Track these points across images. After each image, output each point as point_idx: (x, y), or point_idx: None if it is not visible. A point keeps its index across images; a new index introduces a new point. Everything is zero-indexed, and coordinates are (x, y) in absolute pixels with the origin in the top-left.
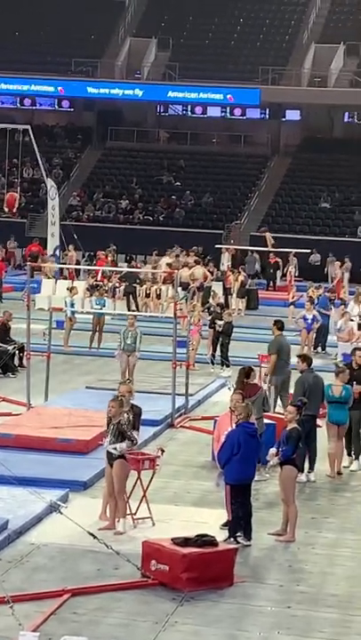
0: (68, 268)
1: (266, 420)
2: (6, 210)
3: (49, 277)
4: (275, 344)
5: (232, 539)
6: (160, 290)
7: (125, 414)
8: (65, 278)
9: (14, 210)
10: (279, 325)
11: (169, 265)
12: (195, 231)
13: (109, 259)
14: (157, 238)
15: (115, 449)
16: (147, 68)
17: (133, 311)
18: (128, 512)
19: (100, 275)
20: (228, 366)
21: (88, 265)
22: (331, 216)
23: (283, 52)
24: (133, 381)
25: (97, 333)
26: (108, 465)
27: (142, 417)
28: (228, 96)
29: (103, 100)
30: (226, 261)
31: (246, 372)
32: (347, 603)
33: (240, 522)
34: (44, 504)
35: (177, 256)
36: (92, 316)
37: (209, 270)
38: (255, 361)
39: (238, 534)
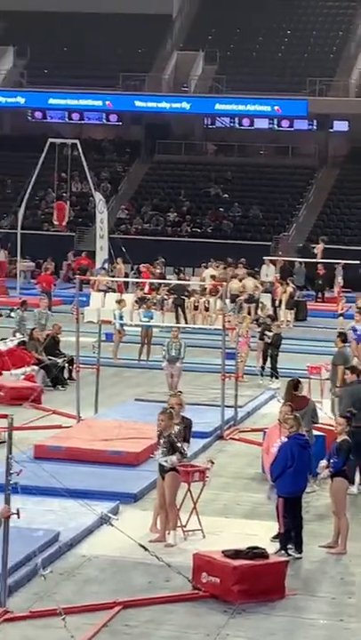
0: (116, 281)
1: (315, 432)
2: (55, 223)
3: (99, 290)
4: (340, 356)
5: (283, 551)
6: (208, 302)
7: (177, 427)
8: (113, 291)
9: (64, 223)
10: (343, 337)
11: (213, 277)
12: (243, 243)
13: (158, 271)
14: (206, 250)
15: (166, 462)
16: (194, 81)
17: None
18: (178, 524)
19: (147, 287)
20: (277, 378)
21: (136, 278)
22: None
23: (330, 63)
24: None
25: (145, 346)
26: (159, 477)
27: (192, 429)
28: (276, 108)
29: (151, 114)
30: (271, 273)
31: (294, 385)
32: None
33: (291, 534)
34: (95, 516)
35: (225, 268)
36: (140, 329)
37: (259, 282)
38: (304, 372)
39: (289, 547)
